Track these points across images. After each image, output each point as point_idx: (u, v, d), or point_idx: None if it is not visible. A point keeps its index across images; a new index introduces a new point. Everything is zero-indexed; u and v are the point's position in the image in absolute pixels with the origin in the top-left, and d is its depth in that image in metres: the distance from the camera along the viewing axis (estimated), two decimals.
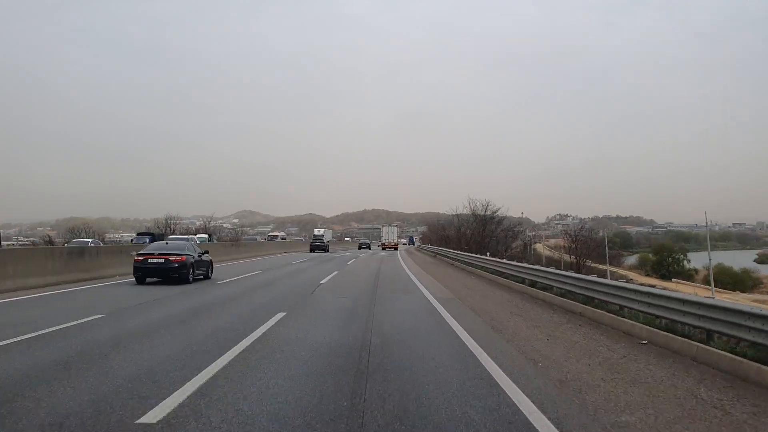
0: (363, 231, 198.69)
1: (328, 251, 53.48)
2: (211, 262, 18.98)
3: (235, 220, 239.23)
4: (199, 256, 17.90)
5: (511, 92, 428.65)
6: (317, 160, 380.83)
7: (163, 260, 16.32)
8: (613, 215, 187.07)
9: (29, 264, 15.25)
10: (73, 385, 5.03)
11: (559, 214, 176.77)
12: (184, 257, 16.65)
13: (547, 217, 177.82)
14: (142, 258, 16.40)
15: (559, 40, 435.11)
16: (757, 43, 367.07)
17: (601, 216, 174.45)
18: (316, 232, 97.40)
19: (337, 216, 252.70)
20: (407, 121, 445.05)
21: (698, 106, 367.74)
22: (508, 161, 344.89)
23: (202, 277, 17.89)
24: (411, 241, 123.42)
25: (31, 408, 4.31)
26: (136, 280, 16.40)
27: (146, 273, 16.31)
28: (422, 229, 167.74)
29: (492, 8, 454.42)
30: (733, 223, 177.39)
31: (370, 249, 70.04)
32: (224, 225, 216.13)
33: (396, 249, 66.80)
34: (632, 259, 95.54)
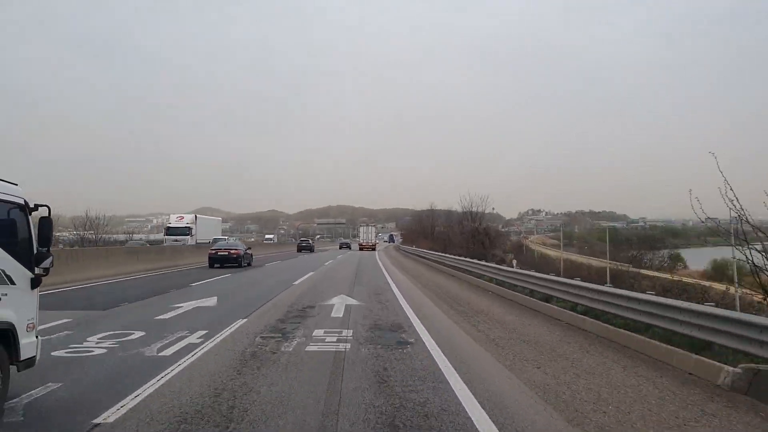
0: (326, 227, 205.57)
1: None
2: (252, 254, 30.66)
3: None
4: (245, 251, 29.52)
5: (492, 92, 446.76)
6: (282, 156, 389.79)
7: (227, 253, 28.07)
8: (586, 210, 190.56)
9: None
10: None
11: (532, 210, 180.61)
12: (239, 251, 28.38)
13: (519, 213, 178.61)
14: (214, 252, 28.08)
15: (538, 38, 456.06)
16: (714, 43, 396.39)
17: (574, 211, 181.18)
18: (174, 222, 52.68)
19: (300, 212, 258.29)
20: (379, 119, 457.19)
21: (675, 102, 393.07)
22: (493, 161, 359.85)
23: (247, 264, 29.25)
24: (391, 239, 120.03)
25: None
26: (209, 265, 27.69)
27: (215, 261, 27.76)
28: (390, 225, 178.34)
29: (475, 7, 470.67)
30: (707, 218, 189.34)
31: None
32: None
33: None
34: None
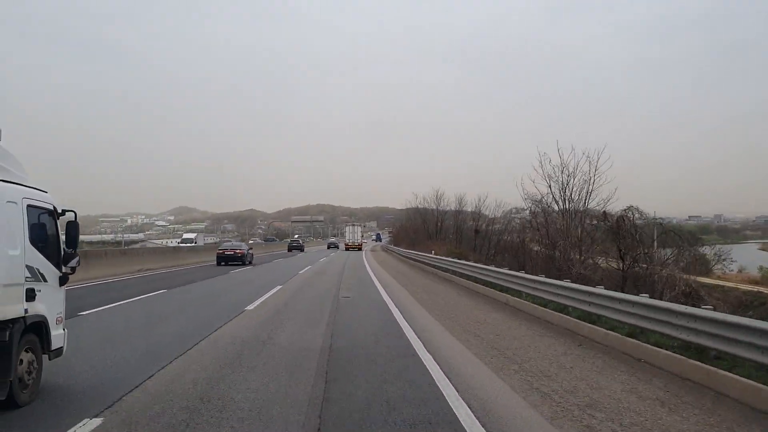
0: (303, 225, 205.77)
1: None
2: (253, 254, 35.27)
3: (170, 217, 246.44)
4: (248, 250, 34.14)
5: (470, 91, 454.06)
6: (262, 157, 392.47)
7: (232, 252, 32.62)
8: None
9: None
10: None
11: (515, 208, 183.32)
12: (243, 251, 33.01)
13: (503, 211, 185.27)
14: (221, 251, 32.75)
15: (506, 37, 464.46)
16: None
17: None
18: None
19: (279, 212, 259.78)
20: (362, 119, 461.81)
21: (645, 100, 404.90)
22: (475, 160, 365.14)
23: (248, 262, 33.70)
24: (378, 238, 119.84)
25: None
26: (216, 263, 32.16)
27: (223, 259, 32.27)
28: (371, 224, 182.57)
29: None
30: (689, 216, 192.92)
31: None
32: (157, 222, 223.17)
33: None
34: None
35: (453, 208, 58.80)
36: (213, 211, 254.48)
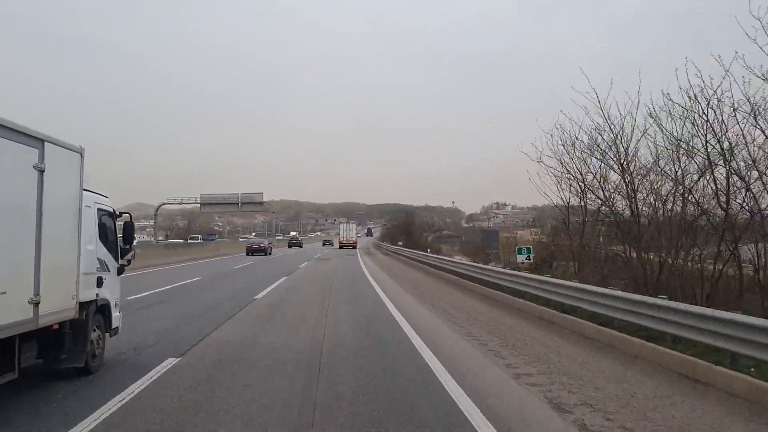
0: (266, 221, 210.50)
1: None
2: (272, 246, 48.10)
3: (126, 214, 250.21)
4: (269, 244, 46.88)
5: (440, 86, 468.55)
6: (224, 151, 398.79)
7: (258, 245, 45.63)
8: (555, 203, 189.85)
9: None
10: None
11: (497, 203, 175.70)
12: (266, 245, 46.06)
13: (483, 206, 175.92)
14: (250, 245, 45.90)
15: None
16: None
17: (540, 205, 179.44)
18: None
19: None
20: (332, 117, 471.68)
21: None
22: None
23: (269, 252, 46.24)
24: (369, 233, 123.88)
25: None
26: (246, 254, 44.51)
27: (251, 251, 45.15)
28: (341, 219, 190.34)
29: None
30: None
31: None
32: None
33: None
34: None
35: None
36: (169, 207, 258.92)
